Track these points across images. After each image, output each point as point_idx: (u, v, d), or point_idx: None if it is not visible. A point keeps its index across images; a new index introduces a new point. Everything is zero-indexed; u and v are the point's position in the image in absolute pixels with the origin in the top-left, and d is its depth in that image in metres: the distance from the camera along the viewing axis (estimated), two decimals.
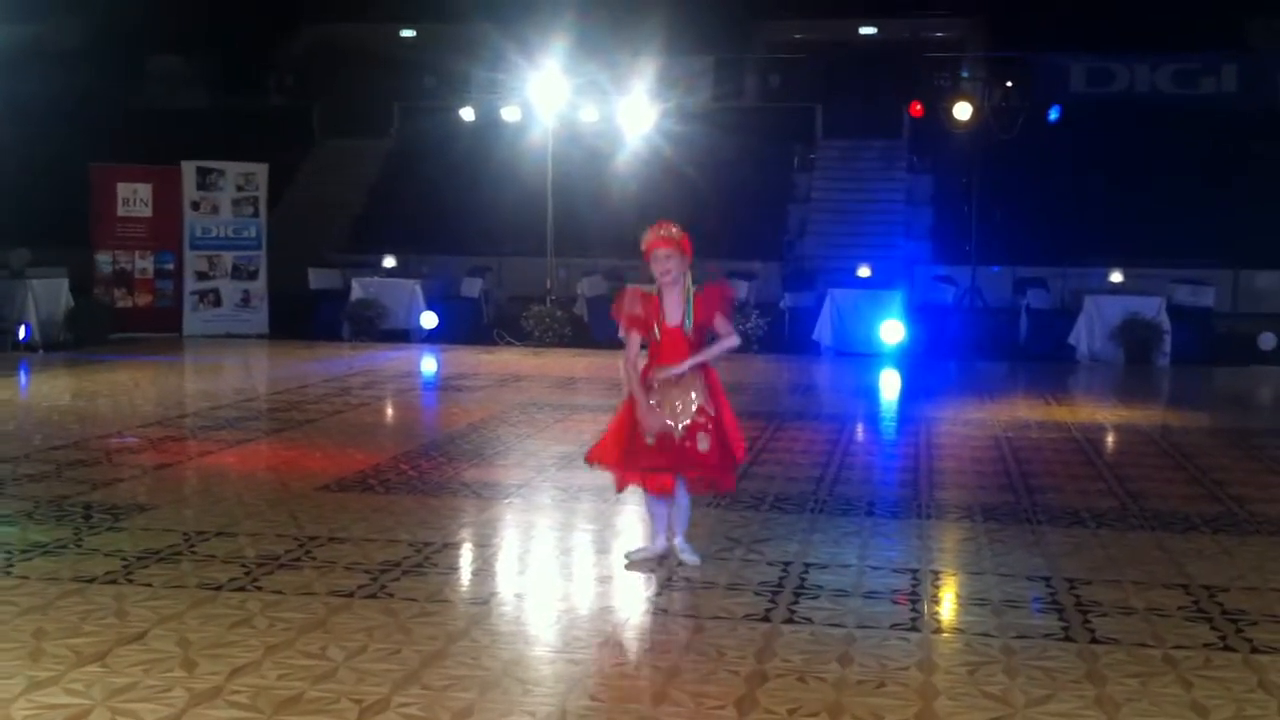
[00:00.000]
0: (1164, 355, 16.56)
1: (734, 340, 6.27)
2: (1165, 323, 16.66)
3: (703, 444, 6.09)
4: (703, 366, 6.18)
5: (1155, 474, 8.97)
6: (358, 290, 18.51)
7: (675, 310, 6.11)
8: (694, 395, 6.12)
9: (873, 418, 12.52)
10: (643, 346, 6.21)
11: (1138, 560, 6.52)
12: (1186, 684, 4.74)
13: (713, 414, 6.13)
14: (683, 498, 6.31)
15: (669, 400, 6.11)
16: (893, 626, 5.40)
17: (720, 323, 6.20)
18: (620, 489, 6.37)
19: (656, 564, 6.29)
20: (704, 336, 6.17)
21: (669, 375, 6.09)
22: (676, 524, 6.36)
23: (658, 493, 6.23)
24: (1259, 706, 4.53)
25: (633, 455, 6.14)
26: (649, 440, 6.07)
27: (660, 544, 6.38)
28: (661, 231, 6.11)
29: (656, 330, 6.11)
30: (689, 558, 6.31)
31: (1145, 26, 24.93)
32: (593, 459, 6.36)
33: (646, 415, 6.07)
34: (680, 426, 6.09)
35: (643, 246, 6.14)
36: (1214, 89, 25.48)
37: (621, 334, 6.27)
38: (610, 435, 6.31)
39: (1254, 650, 5.11)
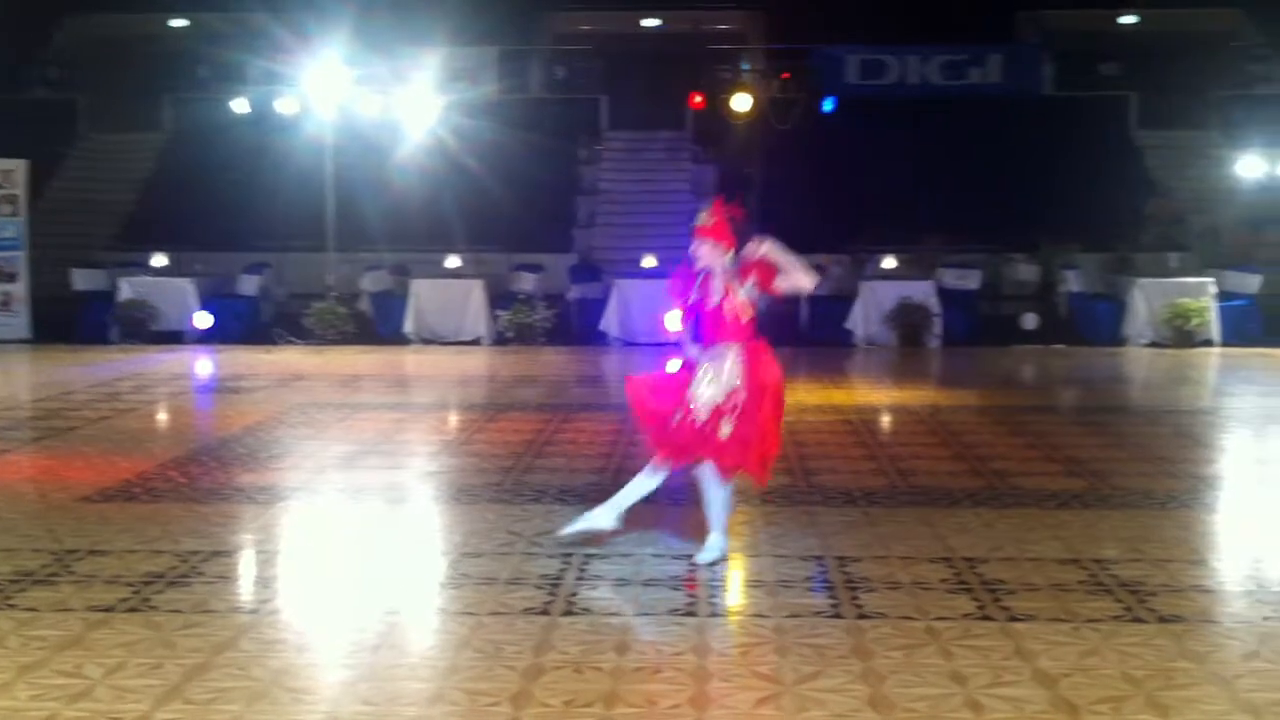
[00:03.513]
0: (934, 337, 17.23)
1: (797, 279, 6.20)
2: (935, 306, 17.33)
3: (724, 430, 6.07)
4: (754, 356, 6.18)
5: (924, 452, 9.31)
6: (126, 290, 17.77)
7: (716, 293, 6.19)
8: (728, 376, 6.12)
9: None
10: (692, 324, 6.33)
11: (905, 536, 6.75)
12: (947, 654, 4.92)
13: (743, 400, 6.10)
14: (714, 489, 6.24)
15: (706, 375, 6.14)
16: (670, 612, 5.46)
17: (779, 281, 6.18)
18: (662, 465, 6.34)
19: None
20: (743, 320, 6.19)
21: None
22: (711, 517, 6.26)
23: (664, 461, 6.20)
24: (1015, 673, 4.73)
25: (666, 432, 6.18)
26: (677, 417, 6.09)
27: (721, 538, 6.30)
28: (701, 220, 6.23)
29: (699, 306, 6.21)
30: (702, 556, 6.20)
31: (916, 20, 25.84)
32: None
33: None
34: (704, 408, 6.08)
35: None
36: (980, 79, 26.57)
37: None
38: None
39: (1011, 619, 5.34)
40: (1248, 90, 25.79)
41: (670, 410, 6.18)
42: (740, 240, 6.26)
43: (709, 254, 6.21)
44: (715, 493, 6.25)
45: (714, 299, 6.20)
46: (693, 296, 6.25)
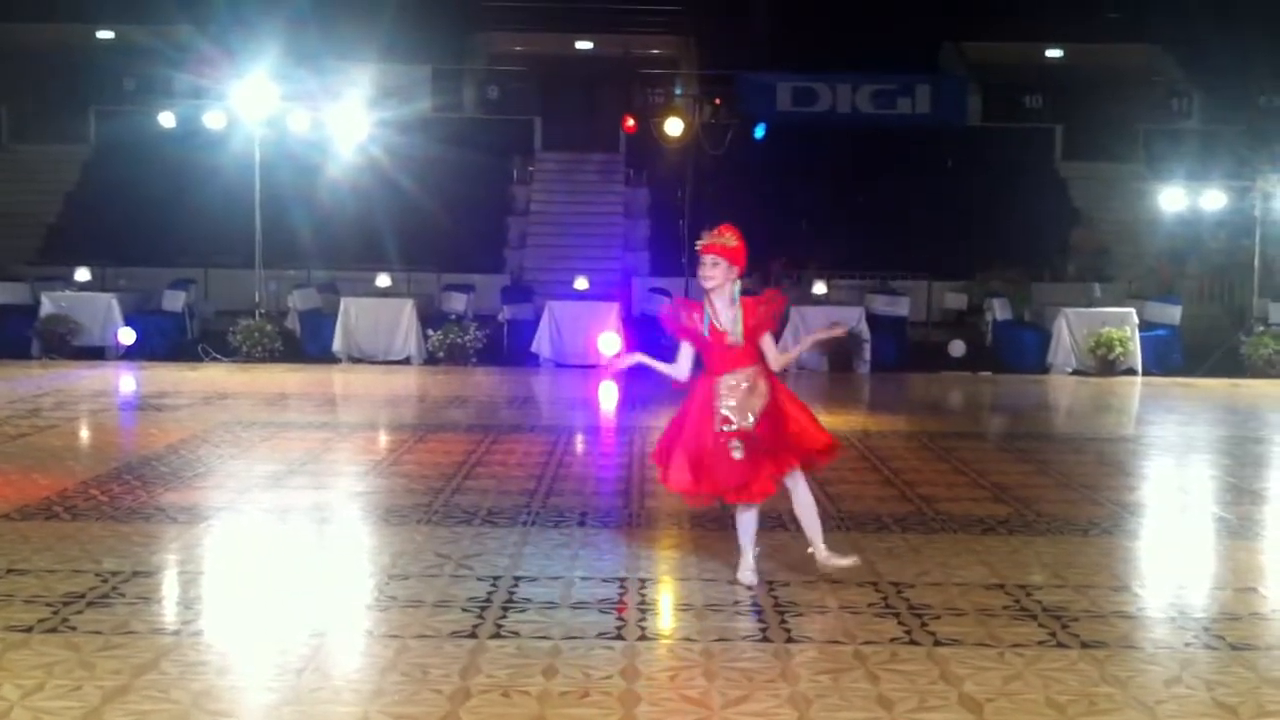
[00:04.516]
0: (864, 363, 17.39)
1: (781, 360, 6.21)
2: (865, 332, 17.49)
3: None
4: (770, 377, 6.18)
5: (852, 476, 9.35)
6: (48, 305, 17.46)
7: (724, 315, 6.12)
8: (761, 390, 6.12)
9: (589, 429, 12.64)
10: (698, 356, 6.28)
11: None
12: (874, 678, 4.94)
13: (778, 400, 6.14)
14: (802, 496, 6.31)
15: (743, 406, 6.09)
16: (599, 636, 5.43)
17: (766, 341, 6.17)
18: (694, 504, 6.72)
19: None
20: (757, 343, 6.14)
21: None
22: (810, 532, 6.35)
23: (747, 500, 6.21)
24: (940, 697, 4.76)
25: (713, 472, 6.10)
26: (735, 454, 6.05)
27: (749, 566, 6.28)
28: (714, 238, 6.14)
29: (706, 333, 6.13)
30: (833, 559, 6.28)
31: (847, 50, 26.16)
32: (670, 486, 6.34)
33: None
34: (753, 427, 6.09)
35: (697, 248, 6.18)
36: (909, 109, 26.93)
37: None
38: (675, 455, 6.23)
39: (937, 643, 5.38)
40: (1170, 124, 26.38)
41: (718, 456, 6.12)
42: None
43: (723, 274, 6.12)
44: (804, 500, 6.34)
45: (724, 321, 6.11)
46: (704, 324, 6.14)
